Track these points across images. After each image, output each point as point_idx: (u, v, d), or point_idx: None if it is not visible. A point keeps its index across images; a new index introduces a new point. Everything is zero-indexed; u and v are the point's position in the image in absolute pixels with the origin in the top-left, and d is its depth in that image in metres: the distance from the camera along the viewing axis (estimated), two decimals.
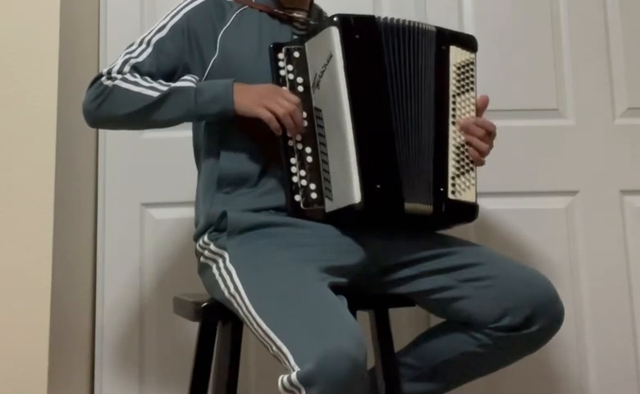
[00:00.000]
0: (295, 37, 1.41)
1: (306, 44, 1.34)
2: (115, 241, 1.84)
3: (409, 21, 1.36)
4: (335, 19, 1.29)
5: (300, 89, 1.33)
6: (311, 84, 1.32)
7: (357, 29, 1.29)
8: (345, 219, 1.29)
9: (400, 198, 1.27)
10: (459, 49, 1.40)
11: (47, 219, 1.52)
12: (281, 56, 1.33)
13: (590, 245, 1.89)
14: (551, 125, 1.94)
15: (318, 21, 1.45)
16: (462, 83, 1.39)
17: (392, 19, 1.34)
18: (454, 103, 1.37)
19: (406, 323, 1.81)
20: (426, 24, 1.38)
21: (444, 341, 1.37)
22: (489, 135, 1.38)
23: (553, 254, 1.88)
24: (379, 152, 1.27)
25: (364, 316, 1.44)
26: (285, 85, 1.33)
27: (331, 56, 1.28)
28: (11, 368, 1.47)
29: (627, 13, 1.98)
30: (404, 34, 1.34)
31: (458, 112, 1.38)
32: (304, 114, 1.31)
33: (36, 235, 1.51)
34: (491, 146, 1.39)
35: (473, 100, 1.40)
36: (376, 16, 1.33)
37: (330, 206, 1.29)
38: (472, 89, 1.40)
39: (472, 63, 1.42)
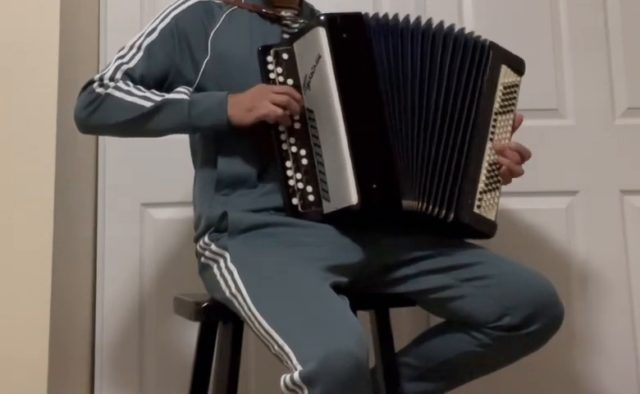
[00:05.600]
0: (285, 36, 1.40)
1: (294, 45, 1.32)
2: (115, 241, 1.84)
3: (424, 23, 1.36)
4: (321, 18, 1.28)
5: None
6: (301, 86, 1.31)
7: (344, 28, 1.27)
8: (343, 219, 1.29)
9: (397, 196, 1.26)
10: (509, 70, 1.41)
11: (47, 219, 1.52)
12: (269, 58, 1.32)
13: (590, 245, 1.89)
14: (551, 125, 1.94)
15: (310, 20, 1.44)
16: (506, 103, 1.40)
17: (385, 15, 1.33)
18: (495, 120, 1.37)
19: (406, 323, 1.81)
20: (458, 30, 1.39)
21: (444, 340, 1.37)
22: (523, 160, 1.38)
23: (553, 254, 1.88)
24: (373, 151, 1.26)
25: (365, 316, 1.44)
26: None
27: (319, 56, 1.27)
28: (11, 368, 1.46)
29: (627, 13, 1.98)
30: (400, 33, 1.33)
31: (497, 131, 1.37)
32: (297, 117, 1.30)
33: (36, 235, 1.51)
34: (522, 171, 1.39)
35: (511, 122, 1.40)
36: (363, 14, 1.31)
37: (327, 207, 1.29)
38: (512, 111, 1.41)
39: (517, 86, 1.42)
